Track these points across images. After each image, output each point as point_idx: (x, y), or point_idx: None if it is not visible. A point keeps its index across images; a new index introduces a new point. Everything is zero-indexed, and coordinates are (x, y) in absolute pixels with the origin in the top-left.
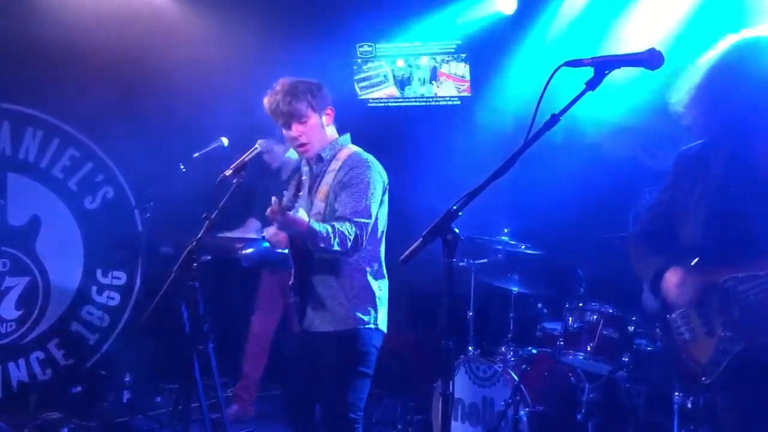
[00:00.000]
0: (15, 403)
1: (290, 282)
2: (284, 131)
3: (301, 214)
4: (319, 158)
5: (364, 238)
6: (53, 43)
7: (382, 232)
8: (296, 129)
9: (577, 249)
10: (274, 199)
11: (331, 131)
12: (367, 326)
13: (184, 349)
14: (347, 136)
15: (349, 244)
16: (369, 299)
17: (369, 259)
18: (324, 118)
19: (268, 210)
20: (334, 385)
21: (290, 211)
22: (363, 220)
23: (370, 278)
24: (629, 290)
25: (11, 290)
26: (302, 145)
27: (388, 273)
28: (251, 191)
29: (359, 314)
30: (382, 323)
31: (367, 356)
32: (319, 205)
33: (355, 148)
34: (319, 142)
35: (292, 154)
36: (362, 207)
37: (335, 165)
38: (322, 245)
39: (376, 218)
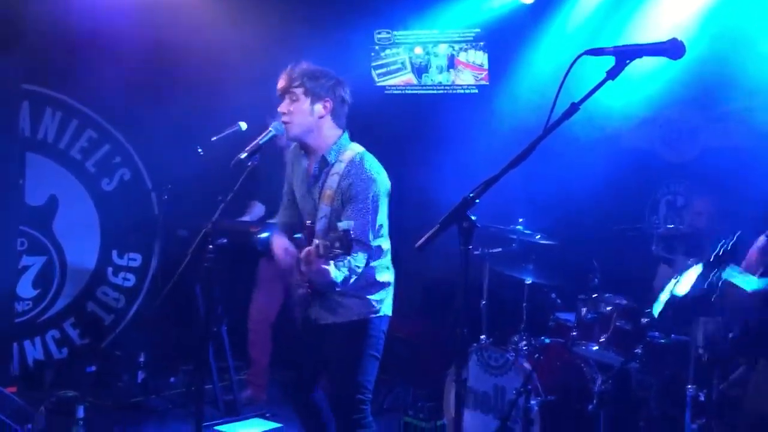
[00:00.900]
0: (31, 380)
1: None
2: None
3: (332, 269)
4: (324, 161)
5: (373, 253)
6: (73, 26)
7: (385, 226)
8: (284, 105)
9: (592, 240)
10: (311, 247)
11: (329, 126)
12: (376, 315)
13: (199, 332)
14: (346, 135)
15: (360, 271)
16: (377, 291)
17: (376, 254)
18: (316, 107)
19: (302, 254)
20: (344, 368)
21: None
22: (369, 240)
23: (377, 272)
24: (643, 282)
25: (28, 269)
26: (285, 123)
27: (404, 260)
28: (254, 174)
29: (369, 305)
30: (388, 308)
31: (377, 341)
32: (325, 209)
33: (357, 149)
34: (301, 126)
35: None
36: (367, 225)
37: (339, 168)
38: (341, 288)
39: (383, 218)
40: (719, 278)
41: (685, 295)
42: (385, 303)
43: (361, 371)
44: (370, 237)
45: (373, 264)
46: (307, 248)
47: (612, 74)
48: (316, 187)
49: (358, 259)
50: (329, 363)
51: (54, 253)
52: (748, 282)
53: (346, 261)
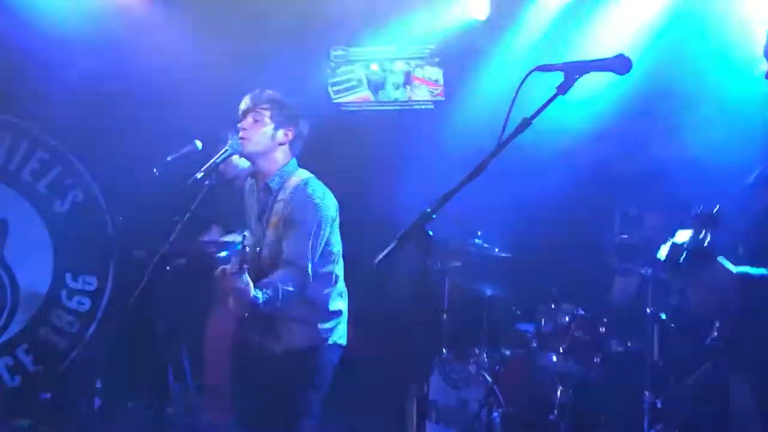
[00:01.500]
0: None
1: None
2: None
3: (252, 291)
4: (267, 187)
5: (309, 278)
6: (22, 45)
7: (338, 252)
8: (246, 123)
9: (550, 251)
10: (221, 268)
11: (283, 154)
12: (328, 343)
13: (157, 354)
14: (294, 162)
15: (293, 295)
16: (327, 317)
17: (326, 281)
18: (278, 133)
19: (217, 271)
20: (285, 398)
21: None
22: (306, 265)
23: (329, 300)
24: (600, 292)
25: None
26: (242, 138)
27: (363, 275)
28: (214, 198)
29: (317, 333)
30: (340, 337)
31: (323, 370)
32: (271, 234)
33: (304, 176)
34: (258, 147)
35: (245, 163)
36: (305, 249)
37: (284, 194)
38: (266, 310)
39: (329, 242)
40: (703, 242)
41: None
42: (336, 332)
43: (302, 402)
44: (308, 262)
45: (325, 291)
46: (221, 267)
47: (562, 90)
48: (263, 215)
49: (290, 283)
50: (270, 390)
51: (5, 278)
52: (736, 267)
53: (272, 282)
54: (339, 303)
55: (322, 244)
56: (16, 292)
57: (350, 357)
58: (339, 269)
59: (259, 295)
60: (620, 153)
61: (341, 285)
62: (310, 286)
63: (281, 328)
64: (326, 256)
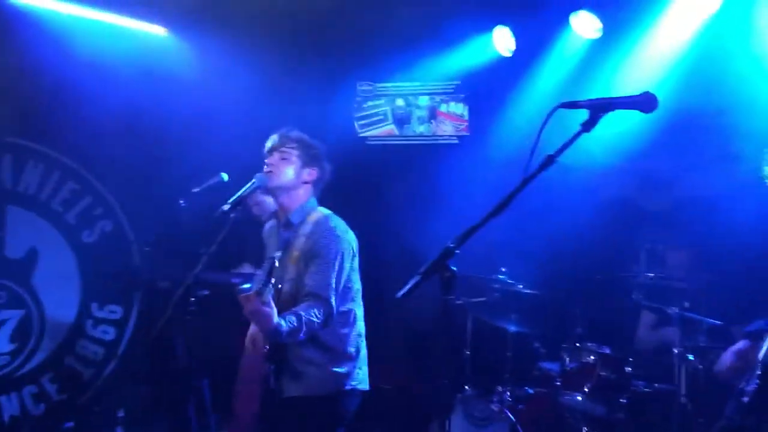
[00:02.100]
0: None
1: (265, 349)
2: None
3: (274, 315)
4: (288, 223)
5: (333, 310)
6: (55, 78)
7: (358, 290)
8: (274, 159)
9: (575, 289)
10: (249, 293)
11: (306, 192)
12: (344, 389)
13: (179, 385)
14: (314, 200)
15: (317, 326)
16: (346, 359)
17: (344, 320)
18: (305, 171)
19: (241, 296)
20: None
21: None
22: (330, 296)
23: (348, 340)
24: (626, 331)
25: (6, 323)
26: (269, 172)
27: (384, 309)
28: (245, 236)
29: (335, 379)
30: (363, 383)
31: (340, 421)
32: (292, 270)
33: (324, 212)
34: (285, 182)
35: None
36: (329, 282)
37: (305, 229)
38: (289, 341)
39: (350, 280)
40: None
41: None
42: (354, 376)
43: None
44: (331, 294)
45: (343, 331)
46: (247, 293)
47: (587, 127)
48: (286, 252)
49: (313, 312)
50: None
51: (33, 307)
52: None
53: (296, 312)
54: (358, 344)
55: (344, 278)
56: (42, 320)
57: (372, 393)
58: (359, 309)
59: (283, 323)
60: (646, 190)
61: (360, 325)
62: (331, 327)
63: (298, 371)
64: (345, 293)
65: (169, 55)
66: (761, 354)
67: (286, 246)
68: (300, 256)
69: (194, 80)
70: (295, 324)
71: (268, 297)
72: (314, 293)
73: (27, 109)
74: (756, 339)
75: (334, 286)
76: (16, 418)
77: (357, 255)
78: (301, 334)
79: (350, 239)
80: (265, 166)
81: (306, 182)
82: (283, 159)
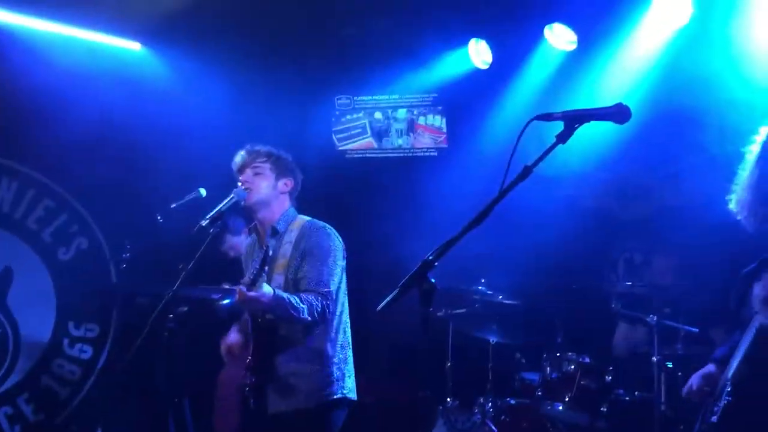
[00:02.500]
0: None
1: (247, 361)
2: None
3: (266, 288)
4: (275, 231)
5: (332, 304)
6: (29, 94)
7: (343, 297)
8: (247, 177)
9: (554, 299)
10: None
11: (284, 202)
12: (333, 398)
13: (159, 403)
14: (293, 209)
15: (317, 315)
16: (335, 368)
17: (333, 328)
18: (280, 183)
19: (237, 294)
20: None
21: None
22: (328, 291)
23: (336, 348)
24: (605, 340)
25: None
26: (246, 189)
27: (366, 322)
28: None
29: (325, 386)
30: (351, 392)
31: (331, 429)
32: (278, 278)
33: (306, 218)
34: (264, 197)
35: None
36: (326, 278)
37: (290, 236)
38: (293, 313)
39: (340, 281)
40: None
41: None
42: (342, 385)
43: None
44: (327, 286)
45: (330, 337)
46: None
47: (562, 138)
48: (272, 261)
49: (311, 298)
50: None
51: (7, 326)
52: None
53: (297, 294)
54: (346, 352)
55: (340, 275)
56: (17, 340)
57: (355, 406)
58: (346, 315)
59: (284, 294)
60: (622, 200)
61: (345, 335)
62: (319, 335)
63: (284, 384)
64: (336, 300)
65: (144, 70)
66: (730, 372)
67: (269, 256)
68: (287, 263)
69: (171, 95)
70: (297, 299)
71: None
72: (311, 289)
73: (0, 125)
74: (723, 364)
75: (329, 280)
76: None
77: (345, 258)
78: (303, 309)
79: (339, 240)
80: (240, 183)
81: (283, 193)
82: (257, 174)
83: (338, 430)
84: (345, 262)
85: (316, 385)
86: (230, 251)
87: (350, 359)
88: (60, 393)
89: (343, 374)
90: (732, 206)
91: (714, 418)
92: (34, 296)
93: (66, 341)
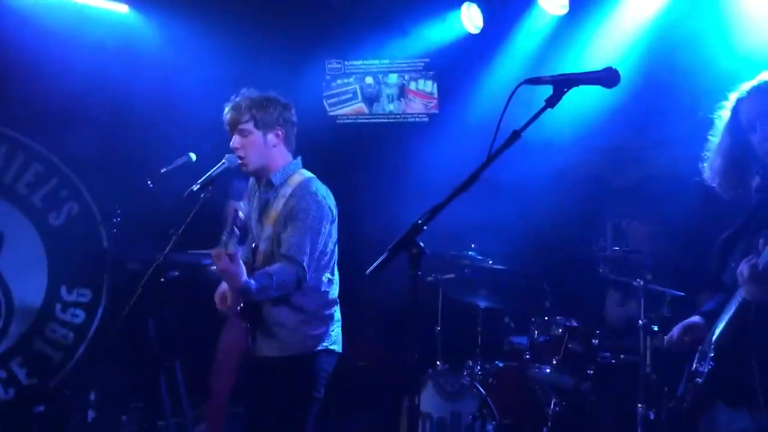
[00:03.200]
0: None
1: (239, 306)
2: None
3: (242, 273)
4: (269, 183)
5: (306, 274)
6: (17, 59)
7: (333, 255)
8: (236, 140)
9: (543, 264)
10: (217, 250)
11: (281, 153)
12: (317, 349)
13: (151, 367)
14: (299, 161)
15: (289, 288)
16: (319, 322)
17: (317, 284)
18: (269, 137)
19: (212, 253)
20: (279, 410)
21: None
22: (304, 260)
23: (322, 303)
24: (593, 304)
25: None
26: (240, 158)
27: (355, 287)
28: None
29: (309, 338)
30: (336, 343)
31: (316, 380)
32: (269, 229)
33: (306, 175)
34: (258, 159)
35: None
36: (305, 247)
37: (286, 191)
38: (260, 298)
39: (326, 245)
40: None
41: None
42: (328, 338)
43: (296, 413)
44: (305, 257)
45: (316, 294)
46: (217, 249)
47: (550, 103)
48: (264, 211)
49: (285, 271)
50: (267, 403)
51: (0, 291)
52: None
53: (266, 272)
54: (332, 308)
55: (321, 243)
56: (10, 304)
57: (343, 369)
58: (334, 274)
59: (252, 281)
60: (612, 166)
61: (334, 291)
62: (304, 290)
63: (272, 332)
64: (321, 257)
65: (132, 33)
66: (714, 336)
67: (264, 205)
68: (278, 216)
69: (160, 58)
70: (265, 282)
71: (235, 250)
72: (288, 255)
73: None
74: (709, 319)
75: (308, 250)
76: None
77: (336, 220)
78: (272, 292)
79: (330, 204)
80: (233, 151)
81: (275, 146)
82: (244, 138)
83: (326, 374)
84: (335, 224)
85: (299, 337)
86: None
87: (337, 315)
88: (53, 357)
89: (328, 328)
90: (706, 174)
91: (699, 380)
92: (25, 261)
93: (58, 306)
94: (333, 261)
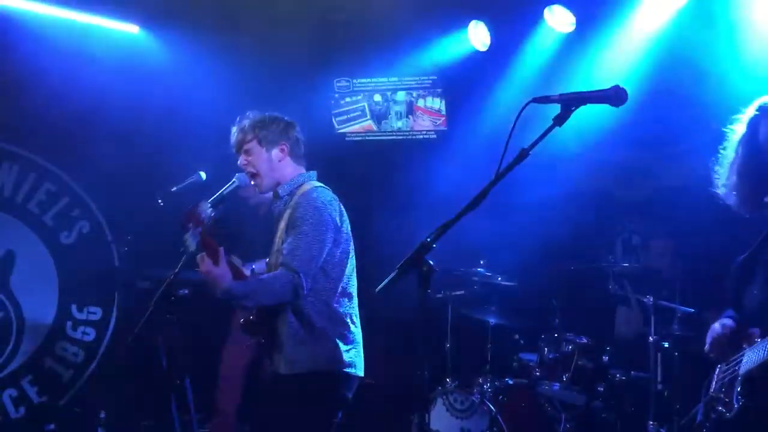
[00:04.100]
0: None
1: (251, 318)
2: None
3: (226, 276)
4: (276, 195)
5: (302, 281)
6: (28, 78)
7: (343, 269)
8: (242, 159)
9: (552, 280)
10: (201, 255)
11: (288, 166)
12: (330, 369)
13: (161, 385)
14: (313, 174)
15: (287, 294)
16: (329, 340)
17: (328, 299)
18: (274, 152)
19: (198, 257)
20: (289, 429)
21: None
22: (302, 267)
23: (329, 317)
24: (603, 320)
25: None
26: (252, 175)
27: (365, 304)
28: (236, 230)
29: (319, 356)
30: (352, 368)
31: (329, 402)
32: (279, 242)
33: (313, 184)
34: (268, 175)
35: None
36: (301, 253)
37: (293, 200)
38: (247, 304)
39: (333, 255)
40: None
41: None
42: (342, 360)
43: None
44: (301, 264)
45: (324, 310)
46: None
47: (559, 121)
48: (276, 224)
49: (281, 279)
50: (275, 419)
51: (11, 309)
52: None
53: (259, 278)
54: (346, 328)
55: (322, 251)
56: (21, 323)
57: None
58: (350, 288)
59: (237, 286)
60: (622, 181)
61: (349, 307)
62: (312, 304)
63: (281, 348)
64: (332, 268)
65: (143, 53)
66: (742, 369)
67: (276, 218)
68: (283, 228)
69: (170, 78)
70: (251, 288)
71: (205, 211)
72: (284, 263)
73: (0, 110)
74: (740, 328)
75: (304, 257)
76: None
77: (343, 229)
78: (262, 297)
79: (333, 211)
80: (240, 165)
81: (281, 160)
82: (249, 156)
83: (342, 398)
84: (342, 232)
85: (308, 354)
86: (260, 208)
87: (353, 336)
88: (63, 375)
89: (341, 348)
90: (720, 191)
91: (728, 415)
92: (37, 279)
93: (69, 324)
94: (346, 273)
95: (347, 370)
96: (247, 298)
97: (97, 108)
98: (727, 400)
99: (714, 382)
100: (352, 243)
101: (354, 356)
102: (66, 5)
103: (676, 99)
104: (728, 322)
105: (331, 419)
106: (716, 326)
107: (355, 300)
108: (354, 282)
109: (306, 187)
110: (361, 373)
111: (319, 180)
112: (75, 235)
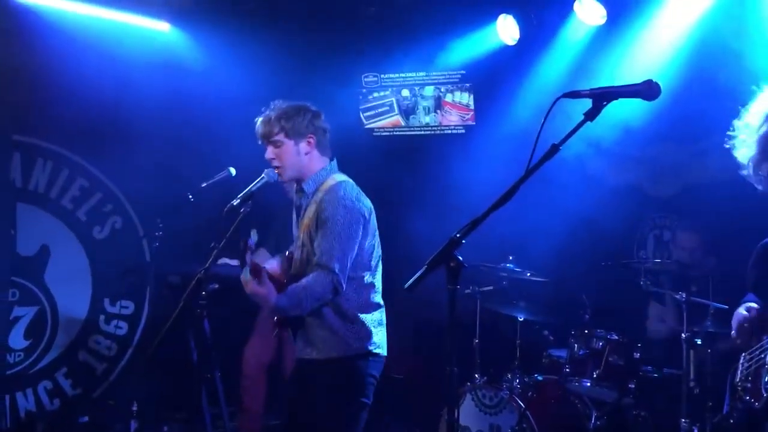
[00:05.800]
0: None
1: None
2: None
3: (271, 293)
4: (301, 190)
5: (340, 280)
6: (61, 75)
7: (369, 258)
8: (270, 151)
9: (582, 276)
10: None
11: (315, 160)
12: (360, 352)
13: (192, 378)
14: (333, 164)
15: (325, 297)
16: (359, 324)
17: (357, 288)
18: (301, 145)
19: (241, 278)
20: (326, 415)
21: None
22: (336, 266)
23: (358, 303)
24: (634, 317)
25: (20, 320)
26: (276, 168)
27: (394, 300)
28: (267, 222)
29: (350, 340)
30: (380, 348)
31: (362, 384)
32: (303, 237)
33: (339, 179)
34: (293, 168)
35: None
36: (336, 253)
37: (318, 196)
38: (295, 313)
39: (362, 249)
40: None
41: None
42: (372, 342)
43: (344, 419)
44: (336, 264)
45: (353, 296)
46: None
47: (590, 116)
48: (299, 219)
49: (319, 281)
50: (314, 410)
51: (46, 303)
52: None
53: (297, 287)
54: (374, 311)
55: (355, 247)
56: (56, 317)
57: (381, 381)
58: (371, 276)
59: (283, 299)
60: (653, 176)
61: (376, 293)
62: (343, 294)
63: (312, 335)
64: (359, 261)
65: (173, 50)
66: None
67: (300, 212)
68: (310, 222)
69: (200, 75)
70: (296, 298)
71: (252, 238)
72: (321, 264)
73: (35, 107)
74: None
75: (340, 256)
76: (31, 414)
77: (370, 222)
78: (307, 304)
79: (361, 208)
80: (267, 158)
81: (308, 153)
82: (277, 148)
83: (373, 379)
84: (370, 226)
85: (339, 339)
86: (287, 184)
87: (377, 319)
88: (97, 368)
89: (370, 332)
90: (738, 157)
91: (757, 405)
92: (71, 274)
93: (102, 318)
94: (373, 261)
95: (376, 350)
96: (294, 308)
97: (130, 105)
98: (754, 389)
99: (739, 371)
100: (377, 233)
101: (381, 337)
102: (97, 3)
103: (709, 93)
104: (753, 305)
105: (365, 401)
106: (741, 311)
107: (380, 283)
108: (380, 267)
109: (330, 182)
110: (386, 353)
111: (346, 175)
112: (108, 230)
